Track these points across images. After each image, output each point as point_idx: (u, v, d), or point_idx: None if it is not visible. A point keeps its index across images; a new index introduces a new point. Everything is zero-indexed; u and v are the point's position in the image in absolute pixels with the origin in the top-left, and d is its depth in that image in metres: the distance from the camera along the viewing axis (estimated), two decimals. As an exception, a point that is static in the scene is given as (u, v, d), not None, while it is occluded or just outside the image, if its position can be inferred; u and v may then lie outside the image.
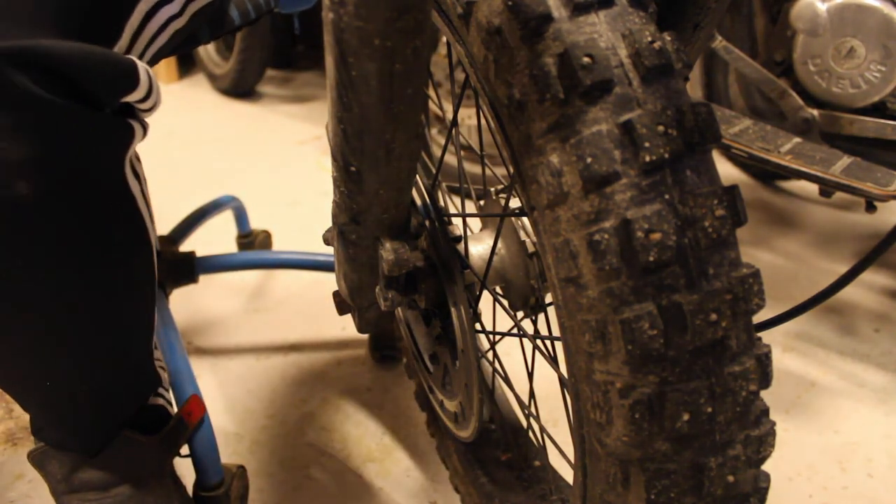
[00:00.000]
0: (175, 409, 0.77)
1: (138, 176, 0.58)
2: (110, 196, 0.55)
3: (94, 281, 0.56)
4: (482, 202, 0.68)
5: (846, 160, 1.05)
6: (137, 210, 0.58)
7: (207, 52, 2.78)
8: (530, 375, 0.67)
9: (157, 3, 0.58)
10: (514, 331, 0.63)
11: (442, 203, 0.72)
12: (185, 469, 0.81)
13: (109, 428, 0.65)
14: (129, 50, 0.56)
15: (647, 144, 0.37)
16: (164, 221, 1.21)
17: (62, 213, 0.51)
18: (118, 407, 0.65)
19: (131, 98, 0.54)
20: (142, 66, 0.54)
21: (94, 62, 0.49)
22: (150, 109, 0.57)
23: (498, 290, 0.66)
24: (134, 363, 0.65)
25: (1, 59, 0.44)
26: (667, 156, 0.38)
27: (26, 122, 0.46)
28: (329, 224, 0.65)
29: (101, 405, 0.63)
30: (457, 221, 0.67)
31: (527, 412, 0.68)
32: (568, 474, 0.59)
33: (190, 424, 0.75)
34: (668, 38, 0.40)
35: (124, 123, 0.54)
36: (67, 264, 0.53)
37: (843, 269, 1.18)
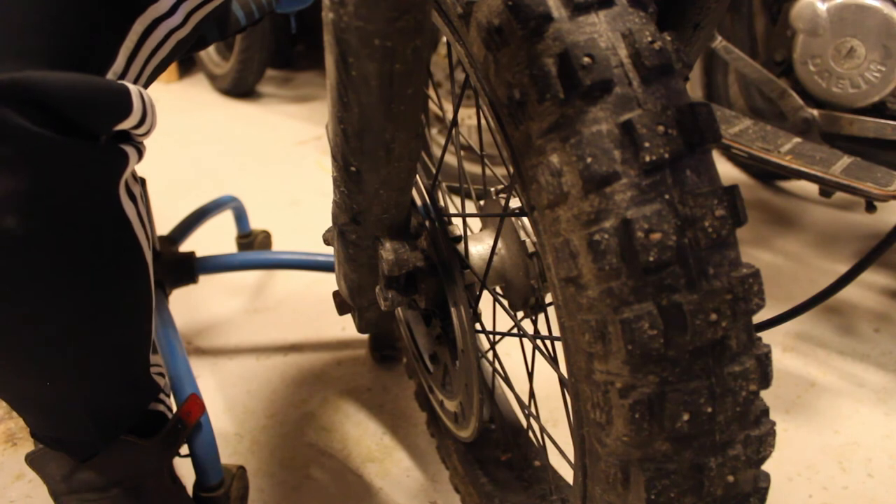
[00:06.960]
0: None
1: (134, 197, 0.57)
2: (104, 222, 0.55)
3: (88, 306, 0.56)
4: (482, 202, 0.68)
5: (846, 160, 1.05)
6: (132, 232, 0.57)
7: (207, 52, 2.78)
8: (530, 375, 0.67)
9: (155, 20, 0.57)
10: (514, 331, 0.63)
11: (442, 203, 0.72)
12: (185, 469, 0.81)
13: (106, 437, 0.65)
14: (125, 71, 0.54)
15: (647, 144, 0.37)
16: (164, 221, 1.22)
17: (53, 244, 0.51)
18: (114, 418, 0.65)
19: (125, 125, 0.52)
20: (135, 91, 0.53)
21: (84, 92, 0.48)
22: (146, 133, 0.56)
23: (498, 290, 0.66)
24: (129, 377, 0.66)
25: None
26: (667, 156, 0.38)
27: (13, 156, 0.46)
28: (329, 224, 0.65)
29: (96, 418, 0.64)
30: (457, 221, 0.67)
31: (527, 412, 0.68)
32: (568, 474, 0.59)
33: (189, 424, 0.75)
34: (668, 38, 0.40)
35: (118, 150, 0.53)
36: (60, 292, 0.53)
37: (843, 269, 1.18)
